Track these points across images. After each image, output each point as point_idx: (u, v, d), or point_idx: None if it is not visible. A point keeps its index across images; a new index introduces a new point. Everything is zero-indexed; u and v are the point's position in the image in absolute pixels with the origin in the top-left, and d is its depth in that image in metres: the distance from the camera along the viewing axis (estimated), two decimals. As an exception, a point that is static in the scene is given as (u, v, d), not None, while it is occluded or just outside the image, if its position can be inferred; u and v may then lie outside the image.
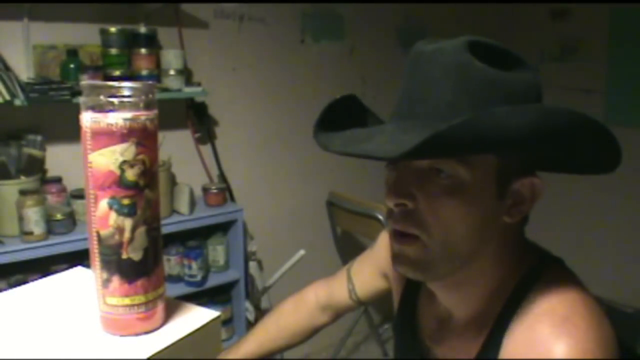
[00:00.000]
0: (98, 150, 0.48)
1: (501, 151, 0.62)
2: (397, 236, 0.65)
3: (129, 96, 0.48)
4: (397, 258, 0.66)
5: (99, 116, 0.48)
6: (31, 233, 1.59)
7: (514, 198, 0.65)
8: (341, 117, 0.70)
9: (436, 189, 0.62)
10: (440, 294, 0.73)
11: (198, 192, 2.10)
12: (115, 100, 0.48)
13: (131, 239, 0.50)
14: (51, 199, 1.72)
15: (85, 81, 1.53)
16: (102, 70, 1.79)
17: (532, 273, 0.67)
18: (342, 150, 0.62)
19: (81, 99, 0.49)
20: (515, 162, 0.64)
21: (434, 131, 0.52)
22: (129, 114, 0.48)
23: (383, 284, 0.95)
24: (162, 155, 1.69)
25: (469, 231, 0.63)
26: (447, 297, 0.72)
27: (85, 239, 0.54)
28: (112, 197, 0.49)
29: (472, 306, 0.70)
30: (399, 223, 0.64)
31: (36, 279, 0.67)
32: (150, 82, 1.77)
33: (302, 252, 2.20)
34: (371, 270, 0.96)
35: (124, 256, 0.50)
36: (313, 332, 1.03)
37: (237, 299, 2.17)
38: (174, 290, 1.93)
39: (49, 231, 1.64)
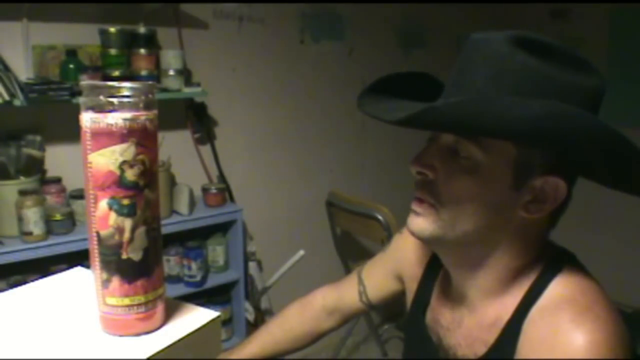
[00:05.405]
0: (98, 150, 0.48)
1: (517, 142, 0.62)
2: (415, 201, 0.69)
3: (128, 96, 0.48)
4: (411, 221, 0.70)
5: (98, 116, 0.48)
6: (30, 233, 1.59)
7: (535, 194, 0.65)
8: (413, 89, 0.75)
9: (454, 166, 0.65)
10: (455, 274, 0.75)
11: (198, 193, 2.10)
12: (115, 100, 0.48)
13: (131, 239, 0.50)
14: (50, 199, 1.71)
15: (84, 81, 1.53)
16: (101, 71, 1.79)
17: (552, 266, 0.68)
18: (360, 108, 0.72)
19: (81, 99, 0.49)
20: (538, 158, 0.64)
21: (429, 105, 0.57)
22: (128, 114, 0.48)
23: (396, 285, 0.95)
24: (162, 155, 1.68)
25: (477, 212, 0.65)
26: (462, 279, 0.73)
27: (85, 239, 0.54)
28: (112, 198, 0.49)
29: (487, 293, 0.71)
30: (418, 190, 0.69)
31: (36, 279, 0.67)
32: (149, 82, 1.77)
33: (301, 252, 2.20)
34: (384, 272, 0.96)
35: (124, 256, 0.50)
36: (317, 337, 1.02)
37: (237, 299, 2.17)
38: (173, 290, 1.93)
39: (49, 231, 1.64)
